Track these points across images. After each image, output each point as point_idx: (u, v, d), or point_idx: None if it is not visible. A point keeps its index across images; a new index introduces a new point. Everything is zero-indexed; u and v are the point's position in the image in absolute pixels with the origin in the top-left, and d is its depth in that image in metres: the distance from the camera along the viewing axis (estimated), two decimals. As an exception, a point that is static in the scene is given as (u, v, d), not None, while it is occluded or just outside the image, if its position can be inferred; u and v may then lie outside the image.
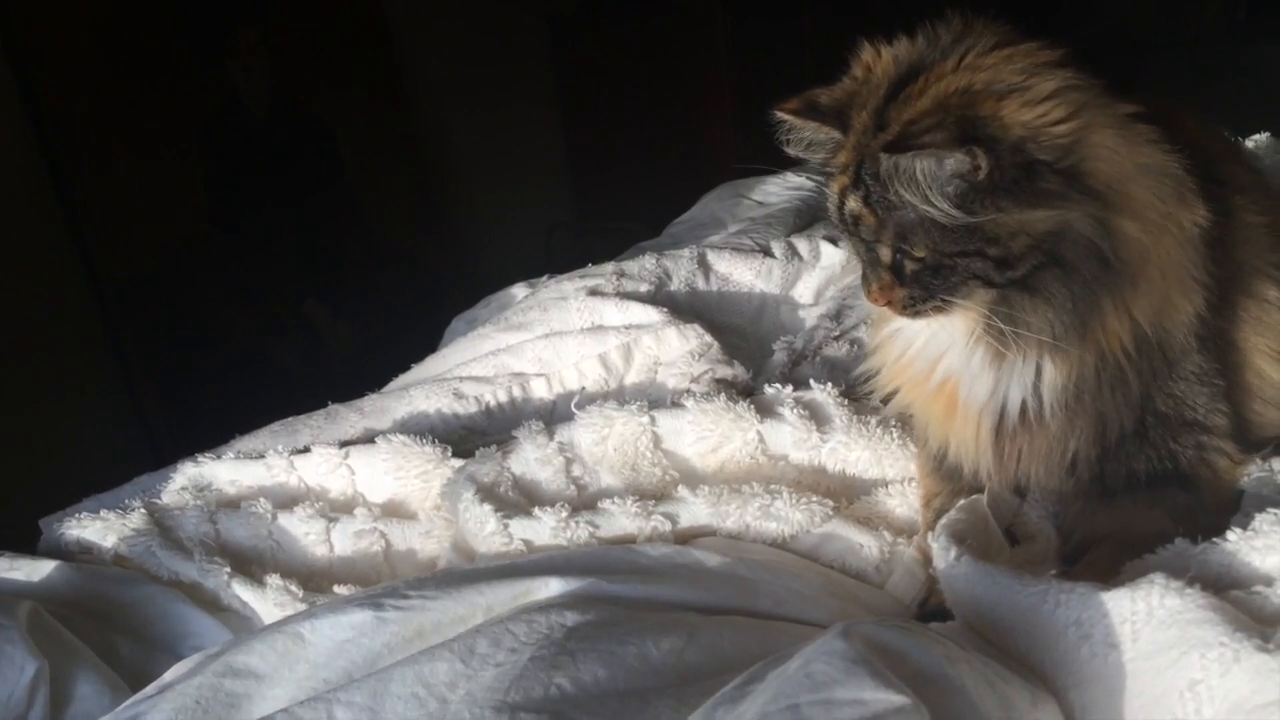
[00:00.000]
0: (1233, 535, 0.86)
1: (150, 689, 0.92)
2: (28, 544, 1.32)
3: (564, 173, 3.95)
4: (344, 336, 3.09)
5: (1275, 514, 0.86)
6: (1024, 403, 1.00)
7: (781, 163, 2.32)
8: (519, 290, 1.86)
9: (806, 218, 2.08)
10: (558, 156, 3.93)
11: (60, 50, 2.59)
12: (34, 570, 1.21)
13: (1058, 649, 0.79)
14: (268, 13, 3.05)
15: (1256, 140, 2.13)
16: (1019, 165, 0.89)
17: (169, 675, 0.94)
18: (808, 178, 2.22)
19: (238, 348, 2.87)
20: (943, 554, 0.93)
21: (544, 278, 1.86)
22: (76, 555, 1.28)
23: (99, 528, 1.28)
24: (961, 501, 1.07)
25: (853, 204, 0.96)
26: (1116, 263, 0.92)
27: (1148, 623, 0.75)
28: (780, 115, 1.02)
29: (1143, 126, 0.95)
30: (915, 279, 0.96)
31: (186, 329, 2.80)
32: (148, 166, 2.75)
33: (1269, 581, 0.80)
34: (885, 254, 0.97)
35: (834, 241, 1.79)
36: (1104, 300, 0.93)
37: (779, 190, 2.20)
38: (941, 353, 1.04)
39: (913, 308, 0.98)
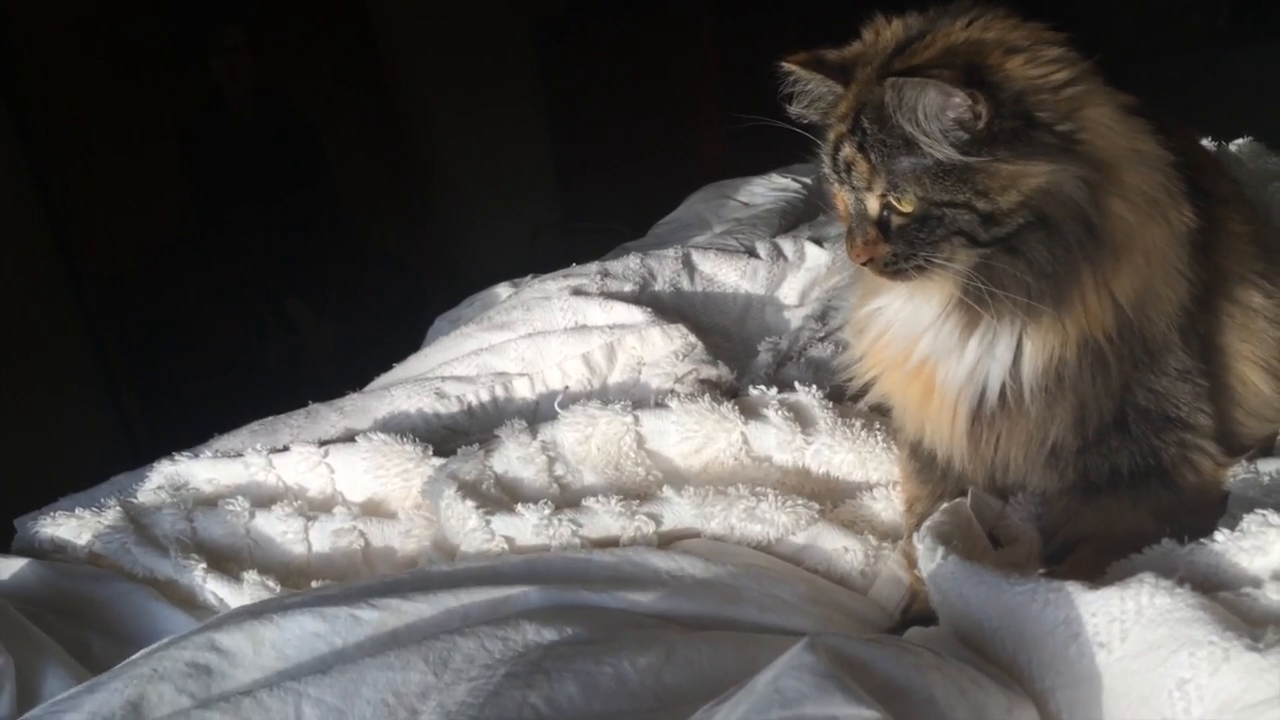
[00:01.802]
0: (1220, 536, 0.86)
1: (117, 666, 0.92)
2: (2, 544, 1.30)
3: (549, 173, 3.95)
4: (326, 336, 3.08)
5: (1262, 515, 0.85)
6: (1003, 386, 0.99)
7: (767, 164, 2.32)
8: (503, 290, 1.85)
9: (792, 219, 2.08)
10: (543, 157, 3.92)
11: (43, 48, 2.57)
12: (5, 568, 1.19)
13: (1045, 648, 0.79)
14: (252, 10, 3.03)
15: (1239, 144, 2.14)
16: (1019, 116, 0.90)
17: (135, 654, 0.94)
18: (792, 179, 2.22)
19: (219, 346, 2.86)
20: (928, 554, 0.92)
21: (528, 277, 1.85)
22: (51, 554, 1.26)
23: (73, 526, 1.26)
24: (945, 505, 1.06)
25: (848, 149, 0.97)
26: (1102, 234, 0.92)
27: (1137, 621, 0.74)
28: (787, 66, 1.03)
29: (1139, 119, 0.96)
30: (901, 234, 0.96)
31: (168, 327, 2.78)
32: (130, 164, 2.74)
33: (1257, 583, 0.79)
34: (873, 205, 0.98)
35: (819, 243, 1.78)
36: (1084, 270, 0.93)
37: (764, 191, 2.19)
38: (920, 332, 1.03)
39: (894, 265, 0.97)
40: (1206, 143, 2.09)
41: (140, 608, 1.14)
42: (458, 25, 3.53)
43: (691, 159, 3.57)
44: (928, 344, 1.03)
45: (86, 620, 1.12)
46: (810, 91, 1.04)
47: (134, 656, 0.93)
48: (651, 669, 0.82)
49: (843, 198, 1.01)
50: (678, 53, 3.59)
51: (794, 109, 1.06)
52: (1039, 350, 0.97)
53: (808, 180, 2.23)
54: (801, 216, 2.11)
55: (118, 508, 1.27)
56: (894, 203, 0.95)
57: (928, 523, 1.00)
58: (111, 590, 1.17)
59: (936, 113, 0.90)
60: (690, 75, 3.58)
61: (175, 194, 2.88)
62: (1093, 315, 0.95)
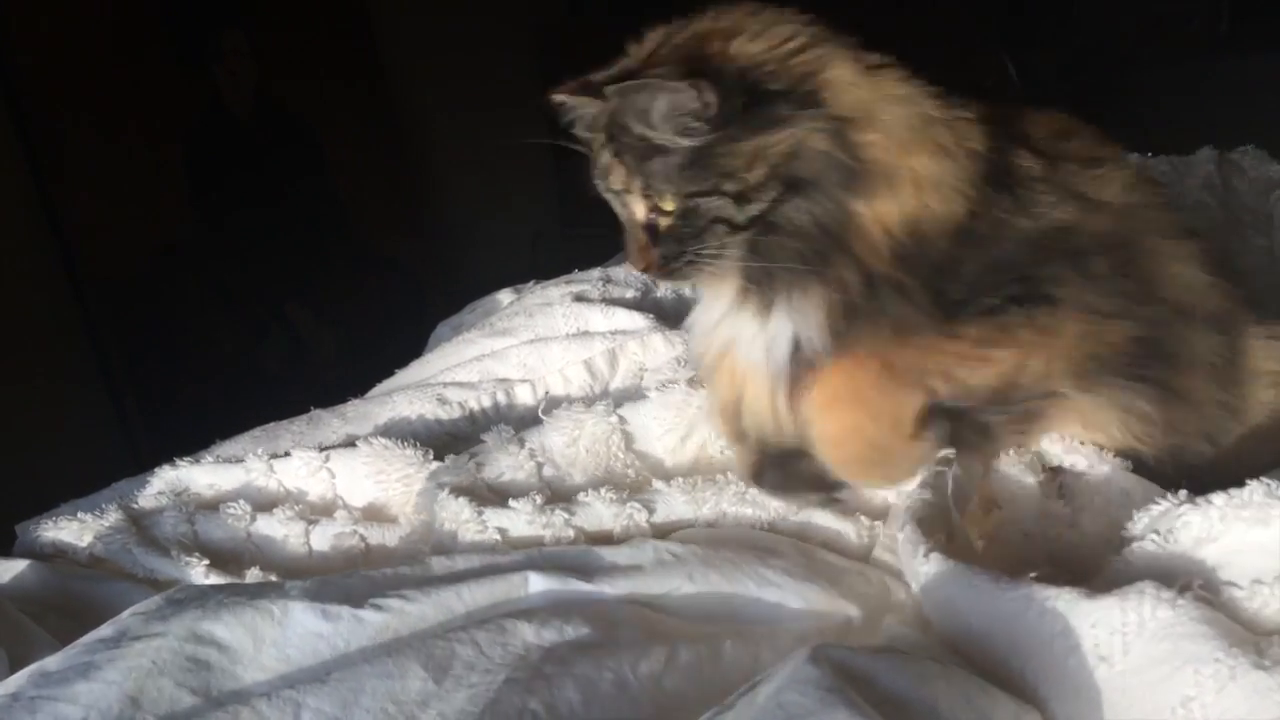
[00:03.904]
0: (1219, 499, 0.83)
1: (106, 630, 0.90)
2: (3, 550, 1.30)
3: (550, 179, 3.94)
4: (327, 341, 3.07)
5: (1268, 485, 0.82)
6: (807, 351, 0.99)
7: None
8: (505, 296, 1.85)
9: (793, 225, 2.07)
10: (543, 163, 3.92)
11: (45, 52, 2.57)
12: (5, 570, 1.19)
13: (1042, 659, 0.77)
14: (252, 16, 3.03)
15: (1240, 152, 2.15)
16: (748, 92, 0.93)
17: (128, 619, 0.91)
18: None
19: (220, 351, 2.86)
20: (910, 549, 0.90)
21: (530, 284, 1.85)
22: (52, 558, 1.26)
23: (74, 529, 1.26)
24: (923, 477, 1.00)
25: (605, 157, 1.01)
26: (862, 174, 0.93)
27: (1139, 635, 0.73)
28: (558, 98, 1.06)
29: (890, 70, 0.98)
30: (669, 235, 0.99)
31: (169, 332, 2.78)
32: (130, 168, 2.74)
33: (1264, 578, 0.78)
34: (639, 210, 1.01)
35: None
36: (854, 208, 0.94)
37: (766, 197, 2.19)
38: (715, 325, 1.06)
39: (667, 267, 1.00)
40: (1208, 150, 2.10)
41: (140, 610, 1.14)
42: (458, 32, 3.53)
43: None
44: (726, 335, 1.05)
45: (86, 620, 1.12)
46: (586, 116, 1.06)
47: (124, 622, 0.91)
48: (653, 675, 0.82)
49: (615, 207, 1.05)
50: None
51: (578, 132, 1.08)
52: (823, 305, 0.97)
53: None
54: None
55: (119, 511, 1.27)
56: (657, 204, 0.99)
57: (907, 505, 0.96)
58: (111, 590, 1.17)
59: (666, 111, 0.93)
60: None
61: (176, 199, 2.88)
62: (869, 251, 0.95)
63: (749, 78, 0.93)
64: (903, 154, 0.95)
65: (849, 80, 0.95)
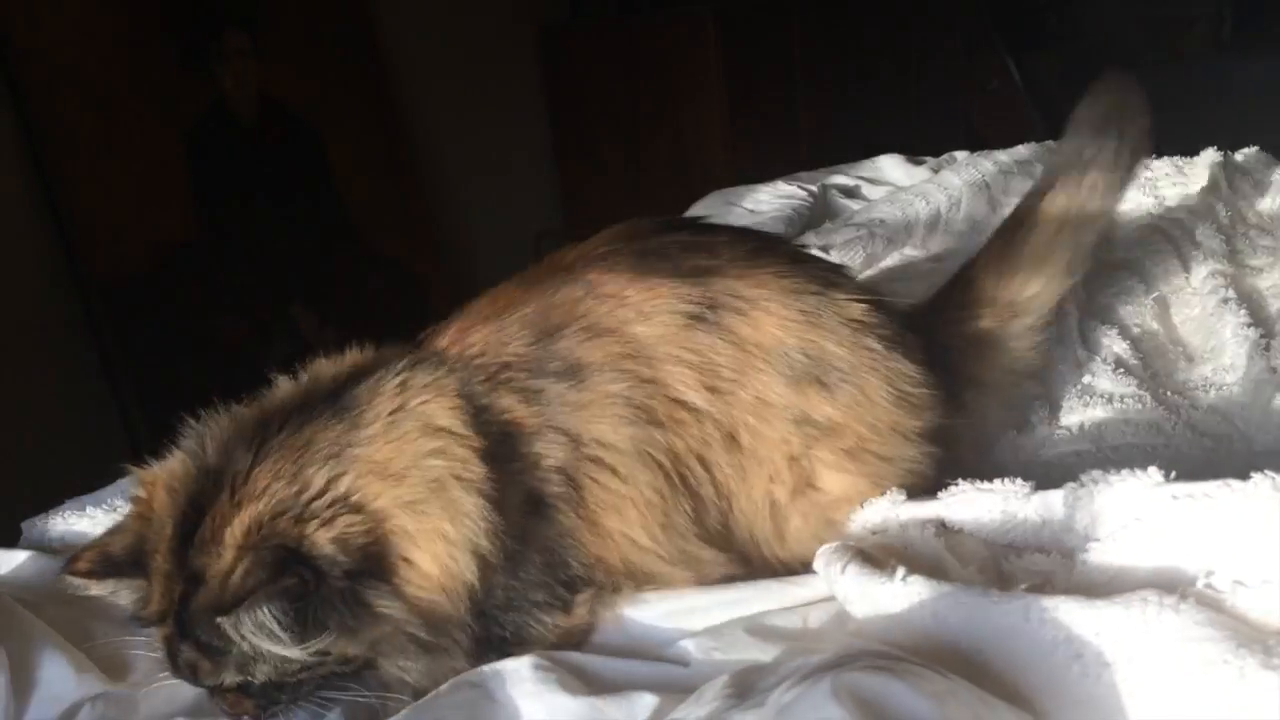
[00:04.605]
0: (1217, 490, 0.82)
1: None
2: (8, 546, 1.30)
3: (552, 180, 3.94)
4: (331, 342, 3.06)
5: (1273, 478, 0.80)
6: None
7: (772, 172, 2.32)
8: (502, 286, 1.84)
9: (798, 226, 2.07)
10: (546, 164, 3.92)
11: (48, 53, 2.57)
12: (7, 561, 1.20)
13: (1043, 669, 0.76)
14: (256, 17, 3.03)
15: (1244, 154, 2.16)
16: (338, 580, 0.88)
17: None
18: (798, 186, 2.22)
19: (223, 352, 2.85)
20: (873, 578, 0.88)
21: (528, 269, 1.84)
22: (60, 552, 1.26)
23: (85, 523, 1.27)
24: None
25: (188, 653, 0.89)
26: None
27: (1144, 641, 0.73)
28: (77, 581, 0.94)
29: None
30: (262, 692, 0.92)
31: (172, 333, 2.77)
32: (134, 169, 2.73)
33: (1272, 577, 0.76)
34: (230, 682, 0.91)
35: (826, 250, 1.78)
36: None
37: (770, 199, 2.19)
38: None
39: (266, 713, 0.93)
40: (1212, 152, 2.10)
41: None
42: (461, 32, 3.53)
43: (695, 167, 3.57)
44: None
45: (85, 607, 1.12)
46: (121, 592, 0.96)
47: None
48: None
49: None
50: (682, 60, 3.58)
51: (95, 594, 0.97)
52: None
53: (813, 188, 2.23)
54: (808, 224, 2.11)
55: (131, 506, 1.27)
56: (247, 679, 0.90)
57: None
58: (111, 578, 1.17)
59: (266, 623, 0.85)
60: (694, 83, 3.57)
61: (179, 200, 2.87)
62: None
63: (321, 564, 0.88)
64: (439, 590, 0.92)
65: (421, 550, 0.92)
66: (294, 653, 0.87)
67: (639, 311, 1.03)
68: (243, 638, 0.87)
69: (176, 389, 2.66)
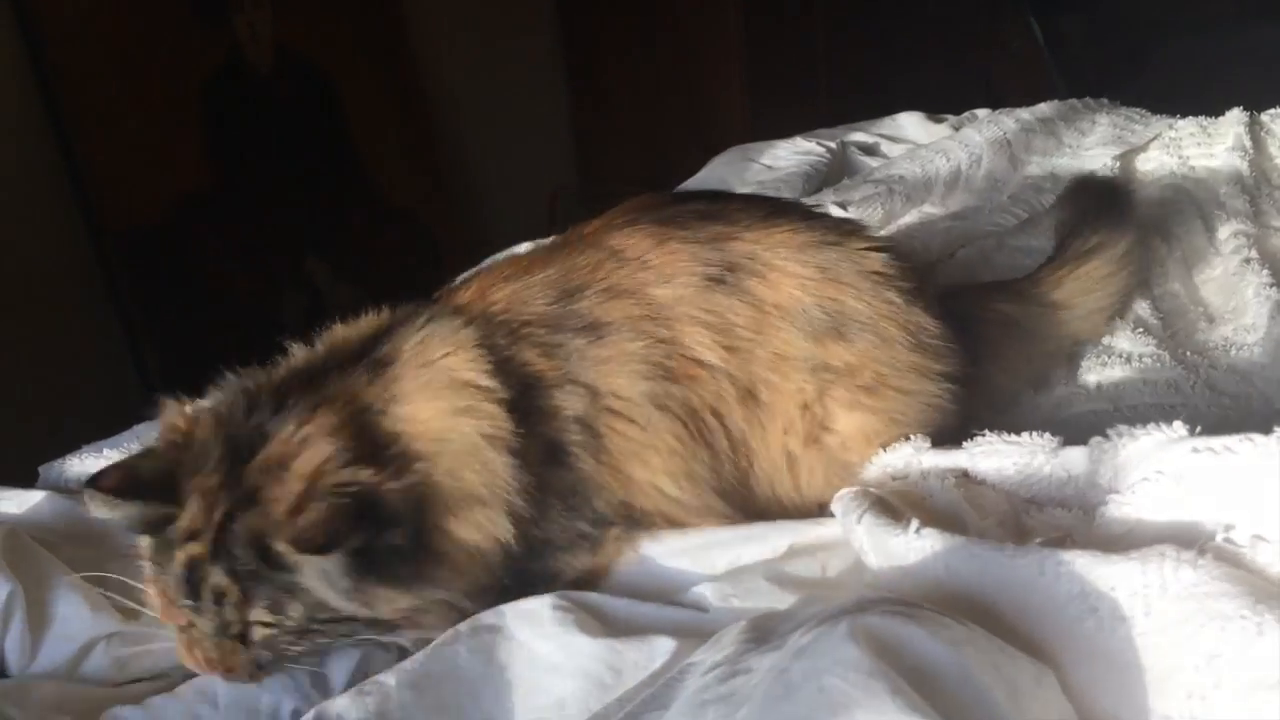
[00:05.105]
0: (1240, 445, 0.81)
1: None
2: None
3: (568, 137, 3.91)
4: (344, 295, 3.07)
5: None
6: None
7: (790, 128, 2.30)
8: (525, 249, 1.83)
9: (816, 183, 2.05)
10: (563, 120, 3.89)
11: (65, 3, 2.55)
12: (24, 501, 1.21)
13: (1058, 623, 0.76)
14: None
15: (1271, 114, 2.13)
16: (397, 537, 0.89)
17: None
18: (817, 142, 2.20)
19: (237, 303, 2.85)
20: (888, 529, 0.88)
21: (551, 239, 1.83)
22: (76, 494, 1.26)
23: (104, 464, 1.26)
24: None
25: (218, 578, 0.88)
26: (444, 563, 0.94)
27: (1161, 596, 0.72)
28: (100, 497, 0.91)
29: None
30: (266, 643, 0.90)
31: (186, 283, 2.77)
32: (150, 120, 2.72)
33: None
34: (237, 626, 0.89)
35: (844, 207, 1.76)
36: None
37: (788, 155, 2.17)
38: None
39: (258, 672, 0.92)
40: (1238, 112, 2.08)
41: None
42: (479, -16, 3.50)
43: (712, 124, 3.54)
44: None
45: (101, 547, 1.13)
46: (140, 515, 0.93)
47: None
48: None
49: (183, 613, 0.91)
50: (700, 15, 3.54)
51: (102, 514, 0.93)
52: None
53: (832, 144, 2.20)
54: (826, 180, 2.08)
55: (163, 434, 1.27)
56: (271, 619, 0.89)
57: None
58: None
59: (331, 573, 0.86)
60: (713, 37, 3.53)
61: (195, 150, 2.87)
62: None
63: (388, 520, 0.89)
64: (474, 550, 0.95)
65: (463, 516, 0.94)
66: (344, 604, 0.88)
67: (659, 275, 1.06)
68: (299, 575, 0.87)
69: (190, 339, 2.67)
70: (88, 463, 1.29)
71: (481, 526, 0.94)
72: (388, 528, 0.88)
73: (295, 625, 0.89)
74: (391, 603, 0.91)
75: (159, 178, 2.74)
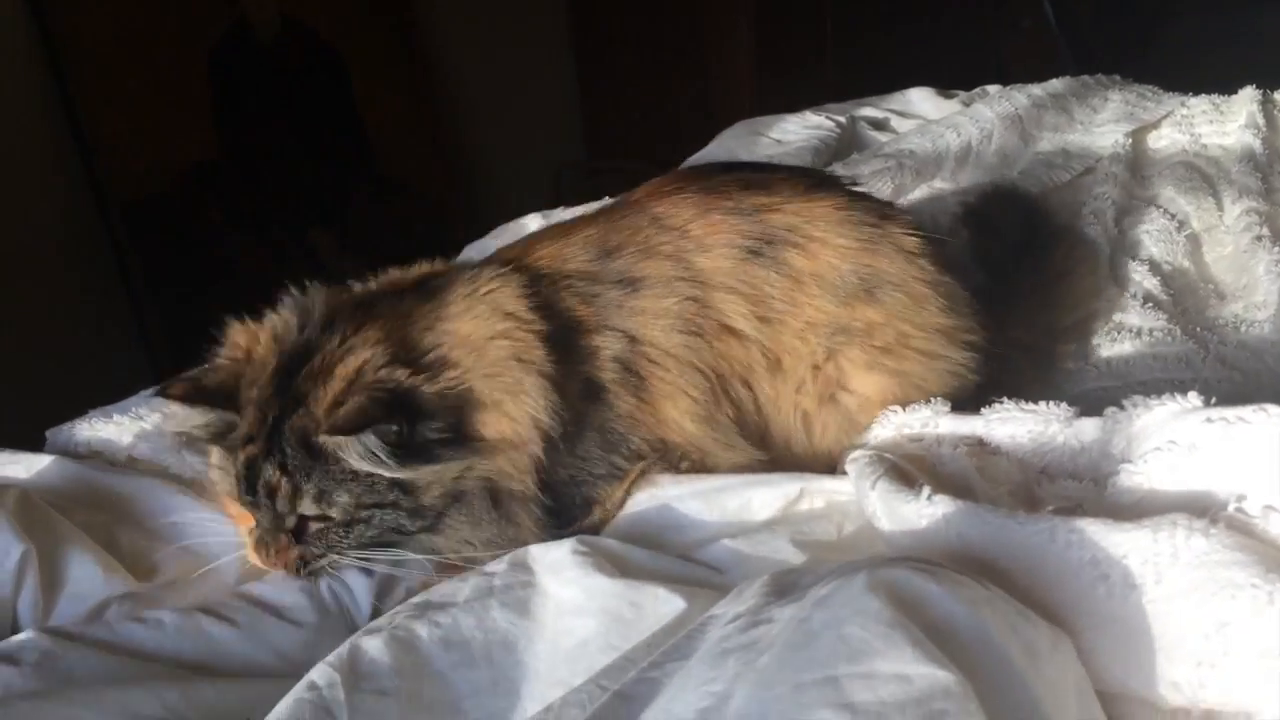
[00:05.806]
0: (1253, 415, 0.81)
1: None
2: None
3: (575, 111, 3.90)
4: (348, 267, 3.06)
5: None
6: None
7: (798, 102, 2.28)
8: (532, 221, 1.83)
9: (825, 157, 2.04)
10: (569, 93, 3.87)
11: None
12: (33, 464, 1.21)
13: (1069, 589, 0.76)
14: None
15: (1285, 95, 2.12)
16: (434, 429, 0.96)
17: None
18: (826, 117, 2.19)
19: (242, 273, 2.85)
20: (900, 495, 0.88)
21: (559, 209, 1.83)
22: (86, 458, 1.26)
23: (113, 429, 1.28)
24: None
25: (271, 473, 0.97)
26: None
27: (1173, 564, 0.72)
28: (170, 403, 1.02)
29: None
30: (317, 537, 0.99)
31: (191, 252, 2.77)
32: (155, 89, 2.72)
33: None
34: (292, 519, 0.99)
35: (854, 181, 1.75)
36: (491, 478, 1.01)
37: (797, 129, 2.16)
38: None
39: (308, 566, 1.00)
40: (1251, 90, 2.06)
41: (167, 503, 1.15)
42: (486, -44, 3.48)
43: (720, 99, 3.52)
44: None
45: (115, 514, 1.13)
46: (205, 421, 1.02)
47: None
48: None
49: (249, 512, 1.01)
50: (709, -11, 3.52)
51: (173, 428, 1.08)
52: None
53: (841, 119, 2.19)
54: (835, 154, 2.08)
55: (159, 414, 1.27)
56: (322, 512, 0.98)
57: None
58: (137, 485, 1.18)
59: (373, 449, 0.93)
60: (721, 11, 3.51)
61: (200, 120, 2.86)
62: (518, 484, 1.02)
63: (436, 417, 0.96)
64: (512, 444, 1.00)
65: (499, 414, 1.00)
66: (395, 473, 0.95)
67: (699, 244, 1.10)
68: (343, 461, 0.95)
69: (194, 307, 2.66)
70: (98, 427, 1.28)
71: (507, 430, 0.99)
72: (423, 420, 0.95)
73: (342, 516, 0.97)
74: (435, 477, 0.97)
75: (165, 146, 2.74)
